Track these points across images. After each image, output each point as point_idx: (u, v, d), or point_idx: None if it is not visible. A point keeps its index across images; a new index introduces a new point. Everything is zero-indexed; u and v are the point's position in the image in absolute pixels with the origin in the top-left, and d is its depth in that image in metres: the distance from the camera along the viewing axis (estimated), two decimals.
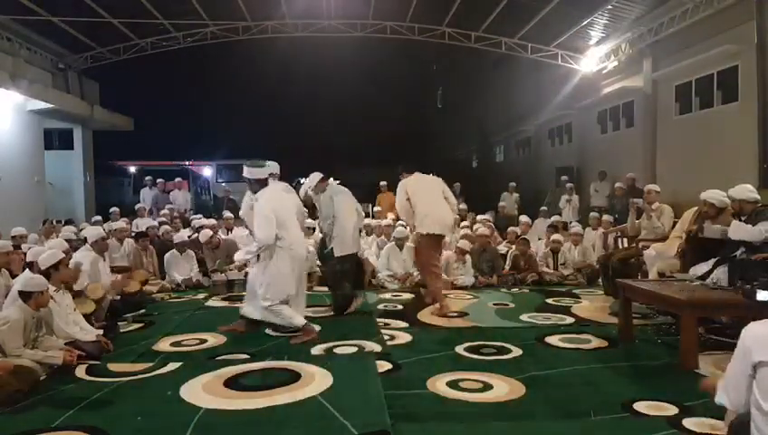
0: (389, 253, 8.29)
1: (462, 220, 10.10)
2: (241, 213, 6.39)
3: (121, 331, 5.63)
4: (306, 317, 6.10)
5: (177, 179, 13.83)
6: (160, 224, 10.01)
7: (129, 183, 22.93)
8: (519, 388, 3.92)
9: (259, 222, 5.02)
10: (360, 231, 6.94)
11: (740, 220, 5.13)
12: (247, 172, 5.28)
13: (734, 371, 2.36)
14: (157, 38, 15.59)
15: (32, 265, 5.00)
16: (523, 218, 10.20)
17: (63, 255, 5.03)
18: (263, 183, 5.24)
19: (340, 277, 6.23)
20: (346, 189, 6.42)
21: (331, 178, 6.46)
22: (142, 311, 6.55)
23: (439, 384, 3.99)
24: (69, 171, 16.26)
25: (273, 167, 5.58)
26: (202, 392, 3.89)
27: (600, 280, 7.64)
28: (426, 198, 6.26)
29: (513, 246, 8.93)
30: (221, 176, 21.61)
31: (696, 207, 6.01)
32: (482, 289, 7.80)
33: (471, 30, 15.54)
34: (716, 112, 11.05)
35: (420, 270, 6.64)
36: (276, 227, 5.00)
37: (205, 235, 8.56)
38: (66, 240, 6.71)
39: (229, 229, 9.51)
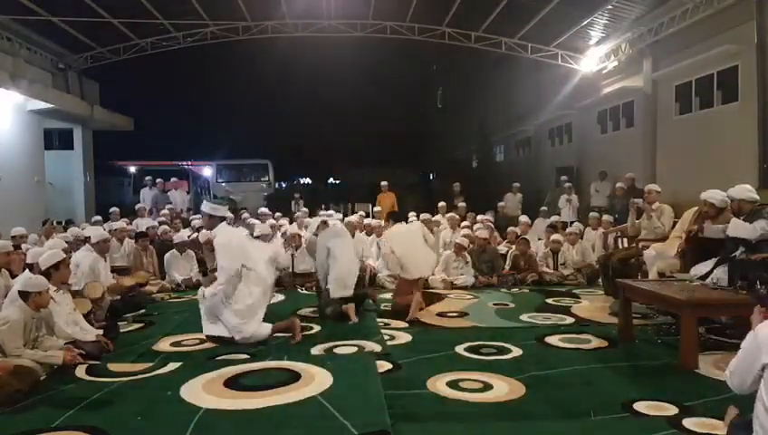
0: None
1: (462, 220, 10.09)
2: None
3: (121, 331, 5.62)
4: (306, 317, 6.13)
5: (173, 179, 13.79)
6: (160, 224, 10.01)
7: (129, 183, 22.92)
8: (519, 388, 3.91)
9: (223, 254, 5.17)
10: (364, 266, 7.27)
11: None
12: (209, 208, 5.53)
13: (743, 361, 2.43)
14: (157, 38, 15.59)
15: (32, 266, 5.00)
16: (523, 218, 10.20)
17: (64, 255, 5.03)
18: (220, 220, 5.47)
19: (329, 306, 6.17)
20: (345, 232, 6.74)
21: (332, 222, 6.86)
22: (142, 311, 6.55)
23: (439, 384, 3.99)
24: (69, 171, 16.26)
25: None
26: (202, 392, 3.88)
27: (600, 280, 7.63)
28: (407, 248, 6.44)
29: (513, 246, 8.93)
30: (221, 176, 21.60)
31: (695, 208, 6.01)
32: (482, 289, 7.80)
33: (471, 30, 15.55)
34: (716, 112, 11.06)
35: (396, 300, 6.66)
36: (240, 255, 5.18)
37: (204, 235, 8.52)
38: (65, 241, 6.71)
39: None
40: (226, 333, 5.08)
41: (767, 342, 2.34)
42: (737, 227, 4.95)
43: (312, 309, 6.56)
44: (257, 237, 7.54)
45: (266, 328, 5.16)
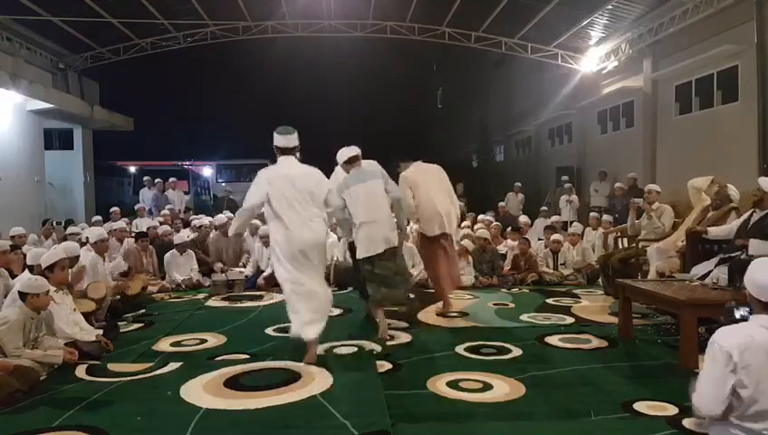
0: None
1: (462, 220, 10.07)
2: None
3: (121, 331, 5.62)
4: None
5: (172, 179, 13.77)
6: (161, 224, 10.02)
7: (129, 183, 22.94)
8: (519, 388, 3.91)
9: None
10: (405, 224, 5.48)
11: (758, 211, 5.03)
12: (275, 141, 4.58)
13: (710, 373, 2.40)
14: (157, 38, 15.61)
15: (32, 267, 5.00)
16: (523, 218, 10.18)
17: (63, 255, 5.02)
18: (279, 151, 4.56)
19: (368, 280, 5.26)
20: (367, 172, 5.21)
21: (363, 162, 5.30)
22: (142, 311, 6.54)
23: (439, 384, 3.98)
24: (69, 171, 16.26)
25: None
26: (202, 392, 3.88)
27: (600, 280, 7.63)
28: (427, 196, 5.71)
29: (516, 244, 8.92)
30: (221, 176, 21.63)
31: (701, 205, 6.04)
32: (482, 289, 7.80)
33: (471, 30, 15.55)
34: (716, 112, 11.06)
35: (426, 270, 6.43)
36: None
37: (220, 219, 9.05)
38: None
39: None
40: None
41: (732, 351, 2.36)
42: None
43: None
44: (263, 238, 7.43)
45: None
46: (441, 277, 6.06)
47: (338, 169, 5.55)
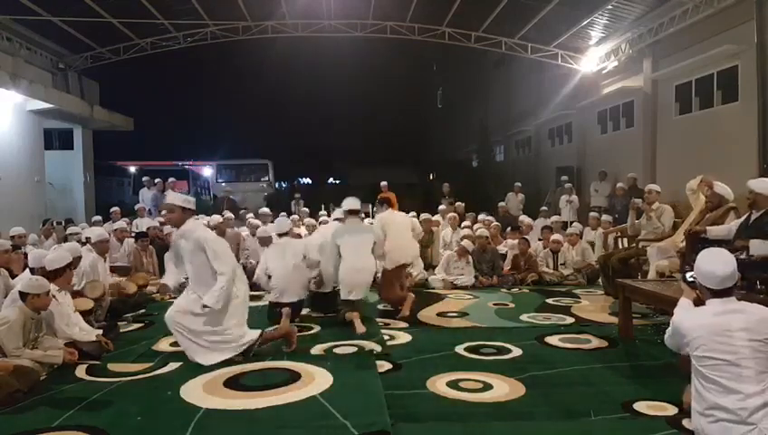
0: None
1: (461, 220, 10.07)
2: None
3: (121, 331, 5.62)
4: (306, 317, 6.12)
5: (171, 179, 13.75)
6: (161, 224, 10.00)
7: (129, 183, 22.94)
8: (519, 388, 3.91)
9: (223, 250, 4.58)
10: (376, 276, 6.25)
11: (755, 212, 5.00)
12: (181, 201, 4.75)
13: (674, 337, 3.00)
14: (157, 38, 15.62)
15: (33, 268, 5.00)
16: (526, 219, 10.17)
17: (71, 258, 5.02)
18: (192, 214, 4.80)
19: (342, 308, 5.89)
20: (363, 228, 6.22)
21: (350, 218, 6.12)
22: (142, 311, 6.54)
23: (439, 384, 3.99)
24: (69, 171, 16.24)
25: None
26: (202, 392, 3.89)
27: (600, 280, 7.63)
28: (395, 233, 6.32)
29: (514, 244, 8.92)
30: (221, 176, 21.62)
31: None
32: (482, 289, 7.80)
33: (471, 30, 15.56)
34: (716, 112, 11.07)
35: (384, 296, 6.58)
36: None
37: (215, 219, 9.42)
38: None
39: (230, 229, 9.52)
40: (230, 352, 4.55)
41: (686, 334, 2.83)
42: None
43: (310, 310, 6.54)
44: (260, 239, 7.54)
45: (253, 333, 4.67)
46: (396, 295, 6.40)
47: (328, 225, 6.83)
